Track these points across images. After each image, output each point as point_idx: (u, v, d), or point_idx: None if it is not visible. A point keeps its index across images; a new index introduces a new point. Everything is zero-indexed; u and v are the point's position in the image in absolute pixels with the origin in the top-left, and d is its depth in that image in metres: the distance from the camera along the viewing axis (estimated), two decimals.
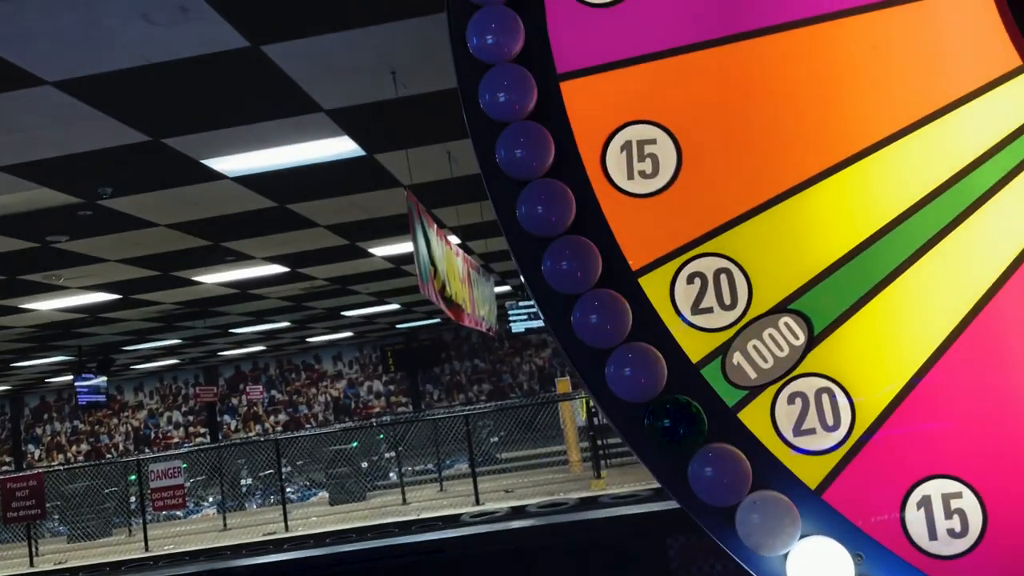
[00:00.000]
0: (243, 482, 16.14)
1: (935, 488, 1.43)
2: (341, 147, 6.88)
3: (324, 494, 14.33)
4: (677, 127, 1.51)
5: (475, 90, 1.55)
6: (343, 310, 17.66)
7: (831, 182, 1.49)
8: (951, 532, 1.41)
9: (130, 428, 26.84)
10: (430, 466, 15.26)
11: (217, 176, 7.14)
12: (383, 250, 11.47)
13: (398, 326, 23.19)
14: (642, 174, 1.50)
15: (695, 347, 1.49)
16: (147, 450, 24.98)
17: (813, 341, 1.47)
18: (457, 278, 6.77)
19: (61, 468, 18.73)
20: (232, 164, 6.93)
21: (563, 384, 14.67)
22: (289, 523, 11.46)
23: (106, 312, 13.38)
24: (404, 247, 11.38)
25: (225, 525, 12.57)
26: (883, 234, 1.47)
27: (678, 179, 1.50)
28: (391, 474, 15.27)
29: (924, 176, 1.48)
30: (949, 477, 1.43)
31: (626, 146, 1.51)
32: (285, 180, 7.53)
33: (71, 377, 17.72)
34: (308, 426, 25.66)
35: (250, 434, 25.65)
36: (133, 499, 13.93)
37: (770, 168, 1.50)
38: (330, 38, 4.92)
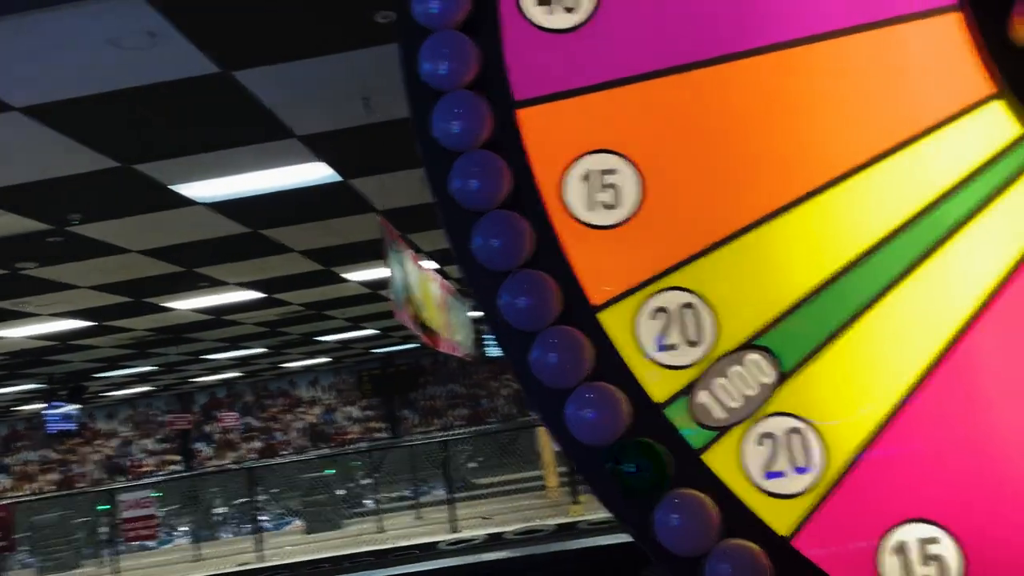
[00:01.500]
0: (217, 511, 15.84)
1: (911, 533, 1.36)
2: (316, 172, 6.83)
3: (299, 522, 14.10)
4: (639, 156, 1.44)
5: (427, 118, 1.50)
6: (318, 335, 17.52)
7: (798, 213, 1.42)
8: None
9: (102, 456, 26.37)
10: (407, 492, 15.07)
11: (188, 202, 7.06)
12: (358, 275, 11.40)
13: (374, 351, 23.03)
14: (603, 205, 1.43)
15: (658, 386, 1.42)
16: (120, 478, 24.53)
17: (782, 378, 1.41)
18: (433, 303, 6.72)
19: (31, 499, 18.34)
20: (203, 190, 6.85)
21: None
22: (264, 553, 11.24)
23: (77, 339, 13.18)
24: (380, 272, 11.31)
25: (198, 555, 12.33)
26: (853, 267, 1.40)
27: (640, 210, 1.43)
28: (367, 501, 15.07)
29: (894, 207, 1.42)
30: (926, 521, 1.36)
31: (586, 176, 1.45)
32: (258, 206, 7.46)
33: (41, 405, 17.41)
34: (284, 452, 25.34)
35: (225, 462, 25.29)
36: (104, 529, 13.64)
37: (736, 199, 1.44)
38: (302, 64, 4.89)
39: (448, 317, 7.57)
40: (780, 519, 1.39)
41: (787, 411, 1.40)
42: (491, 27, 1.51)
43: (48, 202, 6.61)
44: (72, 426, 16.30)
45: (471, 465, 16.44)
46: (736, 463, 1.39)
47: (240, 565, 10.83)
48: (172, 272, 9.54)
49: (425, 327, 6.24)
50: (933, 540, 1.37)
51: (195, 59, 4.60)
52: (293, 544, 12.08)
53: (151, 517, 11.17)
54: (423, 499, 13.83)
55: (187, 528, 15.58)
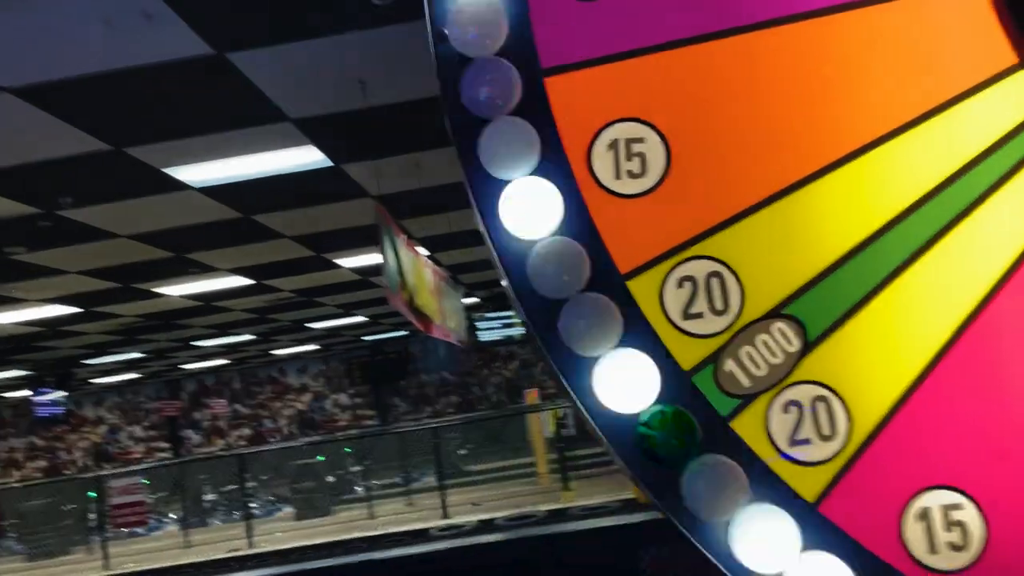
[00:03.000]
0: (206, 497, 15.81)
1: (934, 499, 1.39)
2: (308, 157, 6.79)
3: (289, 509, 14.09)
4: (666, 125, 1.45)
5: (456, 85, 1.49)
6: (308, 322, 17.47)
7: (826, 181, 1.44)
8: (952, 545, 1.37)
9: (90, 443, 26.26)
10: (397, 479, 15.09)
11: (180, 186, 7.01)
12: (350, 261, 11.36)
13: (364, 338, 22.99)
14: (630, 173, 1.44)
15: (686, 354, 1.43)
16: (107, 466, 24.43)
17: (808, 347, 1.42)
18: (426, 289, 6.71)
19: (17, 485, 18.24)
20: (196, 174, 6.80)
21: (532, 395, 14.62)
22: (254, 539, 11.23)
23: (65, 325, 13.08)
24: (371, 258, 11.27)
25: (188, 542, 12.30)
26: (879, 235, 1.42)
27: (667, 179, 1.45)
28: (357, 488, 15.07)
29: (920, 175, 1.43)
30: (949, 488, 1.39)
31: (613, 144, 1.45)
32: (250, 190, 7.41)
33: (28, 392, 17.30)
34: (272, 440, 25.30)
35: (213, 449, 25.23)
36: (93, 516, 13.59)
37: (763, 168, 1.44)
38: (297, 46, 4.85)
39: (441, 303, 7.56)
40: (807, 485, 1.41)
41: (813, 379, 1.42)
42: None
43: (38, 186, 6.55)
44: (61, 411, 16.21)
45: (461, 452, 16.47)
46: (762, 431, 1.40)
47: (231, 551, 10.81)
48: (162, 257, 9.48)
49: (419, 313, 6.23)
50: (956, 506, 1.39)
51: (190, 40, 4.55)
52: (283, 531, 12.07)
53: (140, 503, 11.12)
54: (412, 486, 13.84)
55: (175, 515, 15.56)
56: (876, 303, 1.42)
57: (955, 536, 1.38)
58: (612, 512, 8.96)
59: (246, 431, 26.13)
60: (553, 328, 1.43)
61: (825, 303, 1.43)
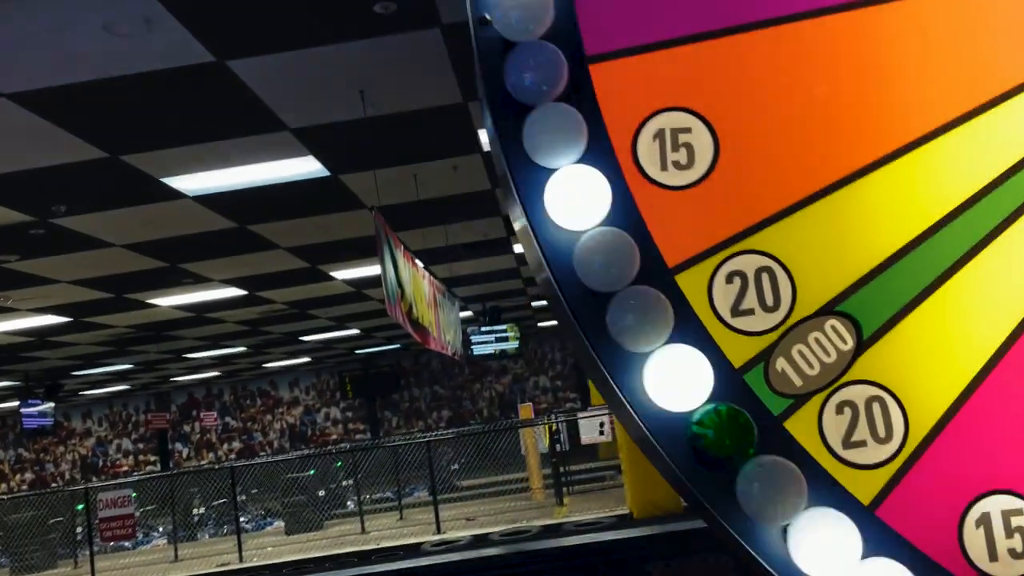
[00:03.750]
0: (195, 511, 15.66)
1: (995, 504, 1.34)
2: (305, 167, 6.75)
3: (280, 523, 13.96)
4: (714, 115, 1.41)
5: (498, 70, 1.44)
6: (301, 335, 17.37)
7: (880, 175, 1.39)
8: (1012, 552, 1.32)
9: (77, 456, 26.01)
10: (388, 494, 14.97)
11: (177, 195, 6.96)
12: (345, 273, 11.30)
13: (357, 351, 22.89)
14: (676, 165, 1.40)
15: (736, 351, 1.39)
16: (95, 478, 24.20)
17: (862, 346, 1.38)
18: (424, 301, 6.66)
19: (4, 497, 18.02)
20: (192, 183, 6.75)
21: (525, 410, 14.56)
22: (244, 553, 11.11)
23: (55, 335, 12.97)
24: (366, 270, 11.22)
25: (176, 556, 12.16)
26: (936, 230, 1.37)
27: (715, 171, 1.40)
28: (348, 503, 14.95)
29: (979, 168, 1.39)
30: (1009, 493, 1.34)
31: (659, 135, 1.41)
32: (247, 200, 7.36)
33: (16, 403, 17.12)
34: (263, 454, 25.12)
35: (203, 462, 25.03)
36: (80, 529, 13.43)
37: (815, 160, 1.40)
38: (298, 55, 4.82)
39: (438, 315, 7.52)
40: (863, 489, 1.36)
41: (868, 379, 1.37)
42: None
43: (32, 193, 6.49)
44: (49, 422, 16.04)
45: (454, 467, 16.36)
46: (815, 432, 1.35)
47: (221, 565, 10.69)
48: (156, 267, 9.41)
49: (417, 324, 6.18)
50: (1018, 512, 1.35)
51: (190, 47, 4.52)
52: (274, 545, 11.95)
53: (129, 516, 10.99)
54: (404, 500, 13.74)
55: (161, 529, 15.39)
56: (932, 300, 1.37)
57: (1016, 543, 1.33)
58: (607, 528, 8.90)
59: (236, 444, 25.95)
60: (600, 323, 1.37)
61: (880, 300, 1.38)
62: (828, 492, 1.36)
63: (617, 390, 1.38)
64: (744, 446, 1.32)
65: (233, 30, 4.45)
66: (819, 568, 1.30)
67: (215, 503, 15.97)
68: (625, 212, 1.41)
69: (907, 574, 1.31)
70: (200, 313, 12.86)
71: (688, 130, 1.41)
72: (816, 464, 1.37)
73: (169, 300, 11.46)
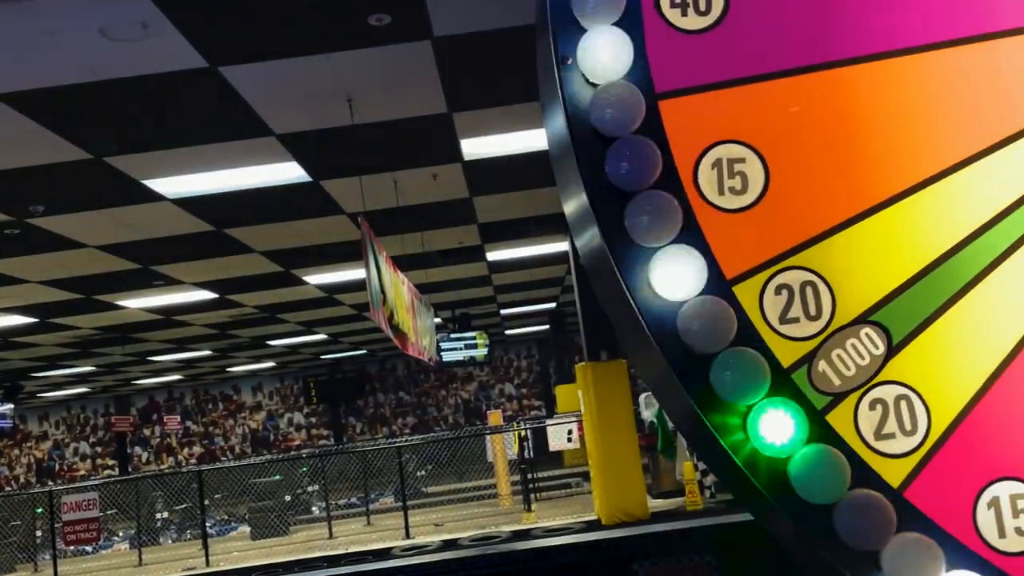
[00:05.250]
0: (158, 516, 15.48)
1: (1003, 489, 1.59)
2: (288, 173, 6.82)
3: (245, 528, 13.87)
4: (765, 147, 1.63)
5: (587, 111, 1.61)
6: (268, 339, 17.30)
7: (908, 202, 1.66)
8: (1018, 530, 1.56)
9: (32, 459, 25.53)
10: (354, 500, 14.96)
11: (156, 197, 6.98)
12: (318, 278, 11.33)
13: (322, 356, 22.81)
14: (732, 190, 1.62)
15: (784, 353, 1.61)
16: (51, 483, 23.75)
17: (892, 351, 1.60)
18: (404, 307, 6.76)
19: None
20: (173, 186, 6.78)
21: (494, 416, 14.66)
22: (210, 558, 11.04)
23: (19, 336, 12.80)
24: (340, 275, 11.27)
25: (141, 560, 12.03)
26: (957, 250, 1.64)
27: (765, 196, 1.64)
28: (314, 508, 14.89)
29: (993, 197, 1.64)
30: (1016, 479, 1.57)
31: (717, 163, 1.63)
32: (226, 204, 7.40)
33: None
34: (224, 458, 24.88)
35: (163, 466, 24.72)
36: (39, 533, 13.21)
37: (852, 188, 1.65)
38: (290, 62, 4.90)
39: (416, 321, 7.61)
40: (893, 474, 1.60)
41: (896, 380, 1.60)
42: (635, 24, 1.68)
43: (11, 192, 6.47)
44: (8, 424, 15.78)
45: (420, 473, 16.39)
46: (852, 425, 1.56)
47: (187, 570, 10.62)
48: (128, 269, 9.37)
49: (397, 330, 6.27)
50: (1022, 496, 1.59)
51: (185, 53, 4.58)
52: (241, 550, 11.88)
53: (94, 520, 10.86)
54: (372, 506, 13.74)
55: (122, 534, 15.19)
56: (954, 311, 1.63)
57: (1022, 522, 1.59)
58: (575, 532, 9.02)
59: (197, 449, 25.68)
60: (671, 328, 1.55)
61: (908, 311, 1.63)
62: (864, 476, 1.60)
63: (684, 392, 1.56)
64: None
65: (229, 37, 4.52)
66: (862, 540, 1.49)
67: (178, 507, 15.81)
68: (690, 230, 1.61)
69: (935, 546, 1.50)
70: (168, 316, 12.79)
71: (742, 160, 1.63)
72: (853, 452, 1.61)
73: (138, 302, 11.39)
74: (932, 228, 1.65)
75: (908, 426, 1.60)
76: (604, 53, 1.60)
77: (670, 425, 11.12)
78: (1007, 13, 1.67)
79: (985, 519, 1.58)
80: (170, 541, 15.18)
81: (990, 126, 1.65)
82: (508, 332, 22.52)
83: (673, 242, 1.60)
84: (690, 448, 10.73)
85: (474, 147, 6.75)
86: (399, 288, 6.55)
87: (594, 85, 1.63)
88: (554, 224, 9.90)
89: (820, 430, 1.61)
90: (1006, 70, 1.67)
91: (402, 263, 10.52)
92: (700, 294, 1.59)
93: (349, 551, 10.26)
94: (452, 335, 13.96)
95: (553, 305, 17.98)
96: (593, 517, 9.93)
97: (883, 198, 1.65)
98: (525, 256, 11.73)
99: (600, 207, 1.62)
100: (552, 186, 8.33)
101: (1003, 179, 1.64)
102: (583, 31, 1.65)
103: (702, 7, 1.65)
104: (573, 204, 1.70)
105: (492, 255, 11.33)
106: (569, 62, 1.64)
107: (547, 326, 21.17)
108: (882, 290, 1.64)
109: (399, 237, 9.13)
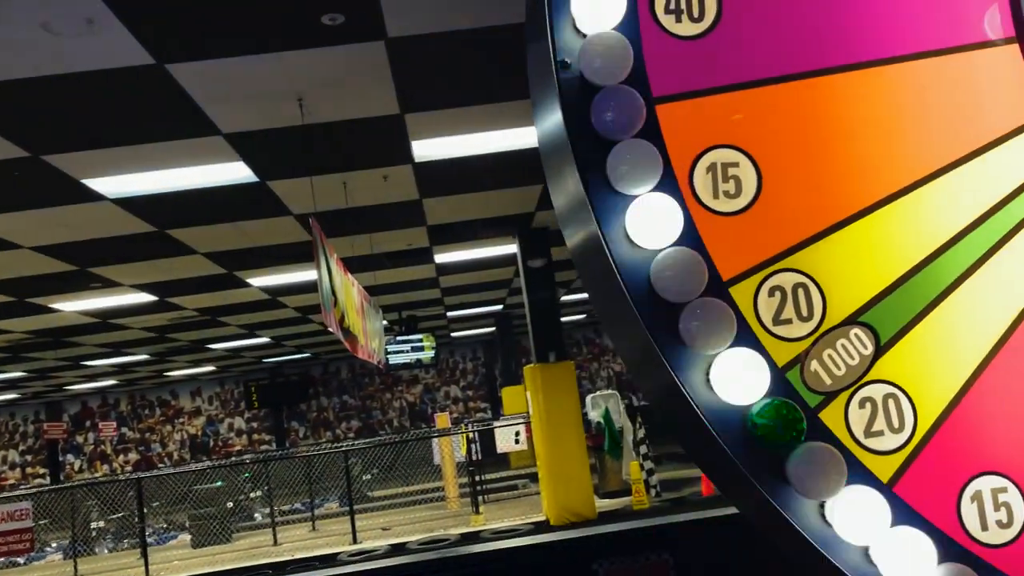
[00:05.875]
0: (93, 525, 15.03)
1: (985, 484, 1.68)
2: (234, 172, 6.69)
3: (185, 536, 13.56)
4: (758, 152, 1.66)
5: (584, 110, 1.61)
6: (209, 343, 16.96)
7: (894, 207, 1.73)
8: (999, 523, 1.63)
9: None
10: (298, 505, 14.75)
11: (96, 197, 6.78)
12: (263, 280, 11.15)
13: (265, 360, 22.44)
14: (726, 194, 1.66)
15: (778, 353, 1.66)
16: None
17: (880, 351, 1.66)
18: (354, 309, 6.69)
19: None
20: (115, 185, 6.60)
21: (442, 419, 14.60)
22: (150, 567, 10.77)
23: None
24: (285, 278, 11.10)
25: (76, 571, 11.68)
26: (939, 254, 1.71)
27: (759, 200, 1.68)
28: (256, 515, 14.64)
29: (972, 203, 1.71)
30: (996, 474, 1.65)
31: (711, 168, 1.66)
32: (169, 204, 7.23)
33: None
34: (162, 465, 24.30)
35: (97, 474, 24.02)
36: None
37: (841, 193, 1.71)
38: (240, 61, 4.81)
39: (365, 324, 7.54)
40: (882, 470, 1.66)
41: (884, 379, 1.66)
42: (633, 30, 1.71)
43: None
44: None
45: (366, 477, 16.24)
46: (843, 423, 1.61)
47: None
48: (64, 271, 9.09)
49: (348, 332, 6.20)
50: (1003, 490, 1.67)
51: (130, 49, 4.46)
52: (181, 559, 11.62)
53: (28, 530, 10.51)
54: (317, 511, 13.56)
55: (56, 544, 14.72)
56: (936, 313, 1.71)
57: (1002, 515, 1.66)
58: (524, 534, 9.04)
59: (132, 456, 25.02)
60: (670, 327, 1.57)
61: (895, 312, 1.70)
62: (855, 472, 1.65)
63: (682, 387, 1.58)
64: (797, 434, 1.54)
65: (177, 34, 4.42)
66: (855, 534, 1.52)
67: (114, 516, 15.39)
68: (688, 233, 1.62)
69: (924, 538, 1.55)
70: (105, 319, 12.44)
71: (736, 164, 1.67)
72: (845, 448, 1.67)
73: (74, 305, 11.06)
74: (915, 232, 1.71)
75: (896, 424, 1.66)
76: (603, 58, 1.62)
77: (617, 425, 11.25)
78: (981, 26, 1.75)
79: (969, 512, 1.66)
80: (106, 551, 14.77)
81: (967, 135, 1.73)
82: (454, 334, 22.47)
83: (673, 244, 1.63)
84: (636, 448, 10.86)
85: (426, 149, 6.72)
86: (349, 290, 6.48)
87: (594, 88, 1.65)
88: (503, 226, 9.92)
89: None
90: (980, 81, 1.75)
91: (351, 265, 10.43)
92: (701, 295, 1.62)
93: (295, 557, 10.11)
94: (399, 337, 13.86)
95: (500, 307, 18.00)
96: (541, 518, 9.98)
97: (869, 203, 1.71)
98: (474, 258, 11.72)
99: (599, 207, 1.64)
100: (502, 188, 8.38)
101: (980, 186, 1.72)
102: (583, 36, 1.67)
103: (695, 14, 1.69)
104: (567, 203, 1.71)
105: (441, 257, 11.30)
106: (568, 66, 1.65)
107: (493, 328, 21.19)
108: (870, 292, 1.69)
109: (348, 239, 9.04)
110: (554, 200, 1.75)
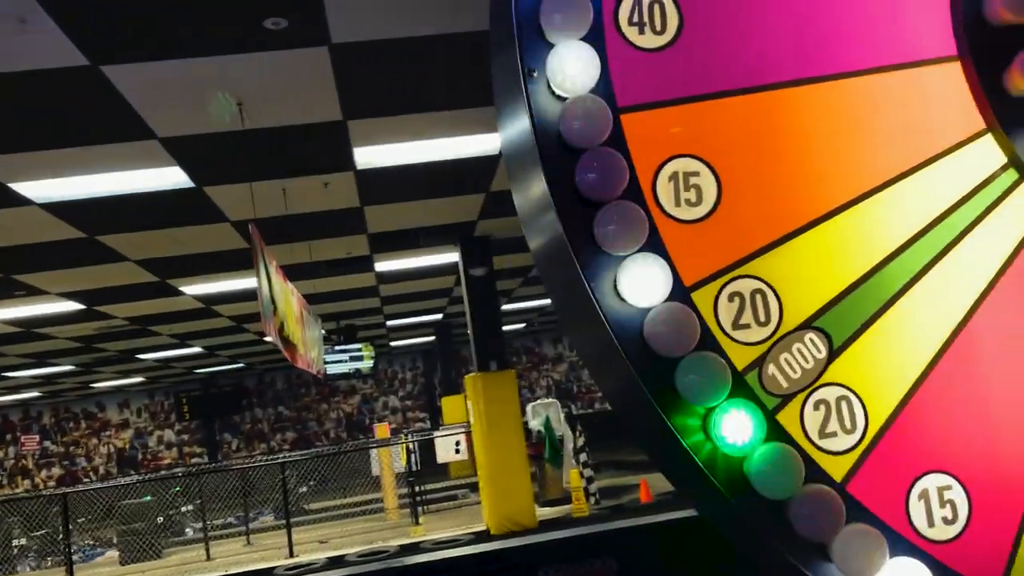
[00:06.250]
0: (15, 543, 14.44)
1: (931, 482, 1.74)
2: (169, 178, 6.53)
3: (113, 553, 13.13)
4: (716, 162, 1.70)
5: (555, 122, 1.63)
6: (139, 353, 16.48)
7: (846, 216, 1.80)
8: (944, 520, 1.70)
9: None
10: (232, 519, 14.42)
11: (23, 201, 6.54)
12: (196, 288, 10.89)
13: (196, 371, 21.89)
14: (687, 202, 1.70)
15: (738, 357, 1.70)
16: None
17: (833, 355, 1.73)
18: (293, 317, 6.58)
19: None
20: (43, 189, 6.37)
21: (381, 429, 14.45)
22: None
23: None
24: (220, 286, 10.87)
25: None
26: (888, 261, 1.80)
27: (718, 209, 1.72)
28: (188, 529, 14.26)
29: (918, 213, 1.78)
30: (942, 472, 1.72)
31: (673, 176, 1.70)
32: (100, 209, 7.01)
33: None
34: (87, 480, 23.49)
35: (18, 490, 23.10)
36: None
37: (797, 202, 1.79)
38: (178, 64, 4.71)
39: (305, 332, 7.42)
40: (836, 469, 1.72)
41: (837, 381, 1.73)
42: (599, 41, 1.75)
43: None
44: None
45: (302, 489, 15.96)
46: (799, 424, 1.66)
47: None
48: None
49: (287, 341, 6.10)
50: (948, 487, 1.74)
51: (64, 50, 4.33)
52: None
53: None
54: (252, 525, 13.28)
55: None
56: (885, 318, 1.79)
57: (948, 512, 1.73)
58: (464, 544, 9.00)
59: (56, 470, 24.13)
60: (639, 334, 1.65)
61: (847, 317, 1.76)
62: (812, 471, 1.70)
63: (648, 395, 1.61)
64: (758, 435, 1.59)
65: (113, 35, 4.30)
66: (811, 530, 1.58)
67: (36, 533, 14.81)
68: (652, 240, 1.69)
69: (878, 535, 1.60)
70: (29, 328, 11.99)
71: (697, 174, 1.72)
72: (802, 449, 1.72)
73: None
74: (866, 241, 1.77)
75: (848, 425, 1.72)
76: (572, 67, 1.64)
77: (557, 433, 11.31)
78: (932, 43, 1.83)
79: (917, 509, 1.71)
80: (28, 569, 14.20)
81: (915, 147, 1.80)
82: (394, 344, 22.28)
83: (640, 250, 1.65)
84: (575, 456, 10.93)
85: (368, 156, 6.67)
86: (289, 298, 6.38)
87: (560, 98, 1.67)
88: (445, 234, 9.89)
89: (774, 429, 1.69)
90: (928, 96, 1.83)
91: (290, 273, 10.26)
92: (665, 300, 1.65)
93: (229, 573, 9.88)
94: (337, 347, 13.69)
95: (440, 316, 17.92)
96: (482, 527, 9.95)
97: (822, 212, 1.76)
98: (414, 267, 11.65)
99: (566, 214, 1.65)
100: (444, 196, 8.35)
101: (926, 197, 1.79)
102: (550, 45, 1.68)
103: (658, 27, 1.74)
104: (534, 210, 1.72)
105: (381, 265, 11.20)
106: (535, 75, 1.67)
107: (433, 337, 21.08)
108: (823, 298, 1.75)
109: (287, 246, 8.90)
110: (519, 206, 1.77)
